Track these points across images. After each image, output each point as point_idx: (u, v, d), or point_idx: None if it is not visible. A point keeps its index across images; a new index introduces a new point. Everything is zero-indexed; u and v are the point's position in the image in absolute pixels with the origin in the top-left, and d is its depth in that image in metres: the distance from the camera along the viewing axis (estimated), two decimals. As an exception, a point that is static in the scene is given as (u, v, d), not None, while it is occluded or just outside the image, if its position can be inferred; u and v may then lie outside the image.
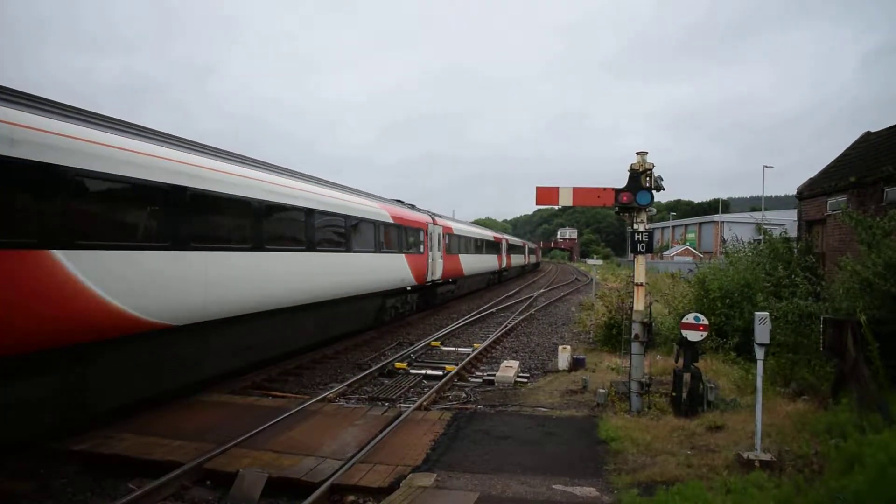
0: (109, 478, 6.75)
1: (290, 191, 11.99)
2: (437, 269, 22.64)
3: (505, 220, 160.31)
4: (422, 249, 20.91)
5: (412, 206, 22.55)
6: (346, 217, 14.54)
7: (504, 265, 41.55)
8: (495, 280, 40.95)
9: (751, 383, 8.82)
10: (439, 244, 23.20)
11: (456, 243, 26.55)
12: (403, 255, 18.94)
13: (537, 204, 10.33)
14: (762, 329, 7.16)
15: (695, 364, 8.98)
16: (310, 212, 12.65)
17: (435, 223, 22.95)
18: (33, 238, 6.66)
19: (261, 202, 10.82)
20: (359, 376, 11.75)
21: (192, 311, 9.05)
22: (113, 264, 7.62)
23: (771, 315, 7.98)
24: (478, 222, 57.74)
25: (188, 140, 10.32)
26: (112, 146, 7.74)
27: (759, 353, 7.23)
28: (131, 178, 7.94)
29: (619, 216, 10.07)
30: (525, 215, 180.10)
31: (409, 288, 19.91)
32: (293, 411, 8.87)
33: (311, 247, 12.67)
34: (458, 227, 27.97)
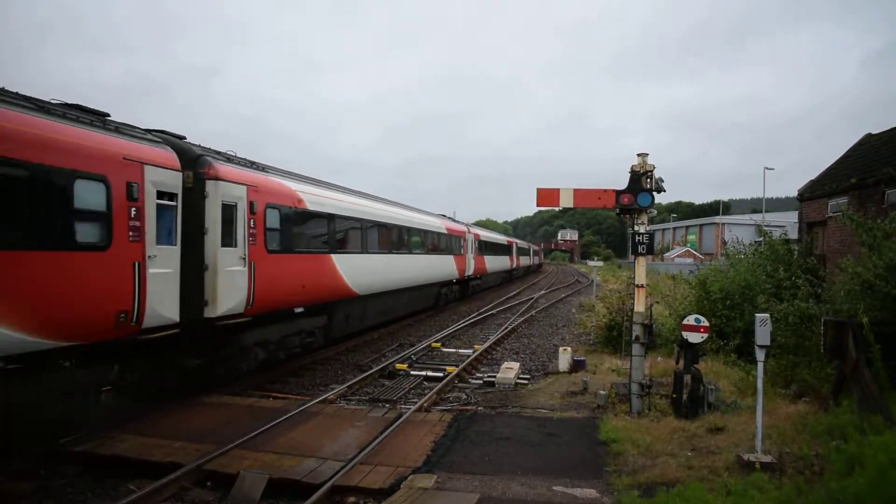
0: (110, 479, 6.76)
1: (401, 215, 19.34)
2: (470, 267, 29.22)
3: (506, 222, 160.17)
4: (462, 252, 27.37)
5: (453, 219, 29.47)
6: (426, 231, 21.99)
7: (514, 265, 47.40)
8: (507, 278, 46.34)
9: (751, 385, 8.81)
10: (472, 248, 29.53)
11: (482, 247, 32.79)
12: (452, 256, 25.79)
13: (538, 205, 10.34)
14: (763, 331, 7.16)
15: (695, 366, 8.97)
16: (408, 228, 19.81)
17: (469, 231, 29.60)
18: (326, 248, 13.61)
19: (390, 225, 17.95)
20: (359, 377, 11.76)
21: (366, 287, 15.58)
22: (346, 261, 14.41)
23: (772, 317, 7.97)
24: (478, 224, 58.02)
25: (363, 192, 17.94)
26: (346, 202, 15.09)
27: (760, 355, 7.23)
28: (353, 217, 15.19)
29: (620, 218, 10.07)
30: (525, 216, 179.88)
31: (454, 280, 26.76)
32: (294, 412, 8.88)
33: (409, 251, 19.83)
34: (484, 234, 34.69)
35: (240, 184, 10.18)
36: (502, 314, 24.40)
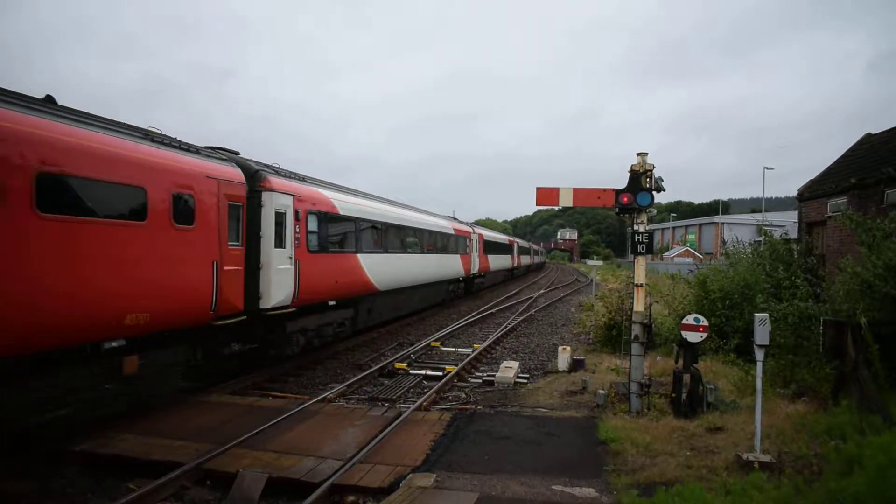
0: (109, 478, 6.76)
1: (409, 216, 21.25)
2: (475, 266, 31.68)
3: (505, 221, 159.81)
4: (467, 251, 29.77)
5: (459, 220, 32.16)
6: (440, 234, 24.93)
7: (515, 264, 49.25)
8: (509, 276, 48.16)
9: (750, 384, 8.82)
10: (477, 247, 31.92)
11: (486, 247, 34.73)
12: (459, 255, 27.92)
13: (538, 204, 10.33)
14: (762, 330, 7.17)
15: (695, 365, 8.98)
16: (417, 229, 21.74)
17: (474, 232, 32.05)
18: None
19: (400, 226, 20.68)
20: (359, 377, 11.76)
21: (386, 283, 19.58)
22: (369, 259, 16.50)
23: (771, 316, 7.98)
24: (478, 223, 58.19)
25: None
26: (368, 206, 16.97)
27: (759, 355, 7.24)
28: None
29: (620, 217, 10.06)
30: (525, 216, 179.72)
31: (460, 278, 29.10)
32: (293, 412, 8.88)
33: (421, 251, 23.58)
34: (488, 234, 37.24)
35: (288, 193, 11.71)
36: (501, 313, 24.41)
